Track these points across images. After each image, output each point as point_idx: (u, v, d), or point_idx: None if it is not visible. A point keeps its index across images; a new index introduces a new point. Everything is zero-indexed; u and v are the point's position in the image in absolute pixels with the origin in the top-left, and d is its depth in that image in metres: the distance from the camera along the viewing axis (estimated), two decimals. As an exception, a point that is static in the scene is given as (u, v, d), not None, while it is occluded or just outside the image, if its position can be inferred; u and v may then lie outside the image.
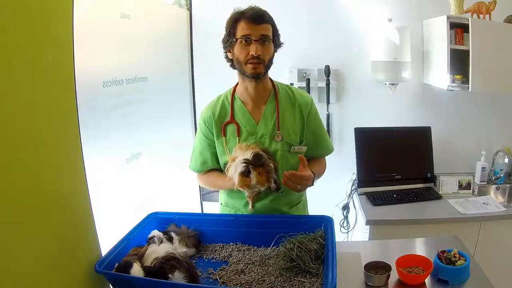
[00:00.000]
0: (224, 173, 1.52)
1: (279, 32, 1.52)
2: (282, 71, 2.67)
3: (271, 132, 1.55)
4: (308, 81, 2.65)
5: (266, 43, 1.46)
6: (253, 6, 1.47)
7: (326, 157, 1.74)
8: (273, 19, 1.49)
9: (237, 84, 1.61)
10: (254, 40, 1.43)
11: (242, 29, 1.44)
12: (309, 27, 2.65)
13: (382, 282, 1.29)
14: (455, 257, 1.31)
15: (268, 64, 1.50)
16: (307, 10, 2.63)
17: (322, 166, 1.70)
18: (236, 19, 1.46)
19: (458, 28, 2.35)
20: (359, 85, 2.72)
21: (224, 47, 1.53)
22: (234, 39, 1.46)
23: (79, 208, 1.21)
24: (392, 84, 2.58)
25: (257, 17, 1.44)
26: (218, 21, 1.51)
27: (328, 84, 2.65)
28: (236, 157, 1.40)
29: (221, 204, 1.73)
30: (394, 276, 1.31)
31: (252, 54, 1.43)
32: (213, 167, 1.65)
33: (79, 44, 1.21)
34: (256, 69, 1.46)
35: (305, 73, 2.67)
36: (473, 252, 2.14)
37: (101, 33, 1.60)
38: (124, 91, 1.78)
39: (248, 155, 1.37)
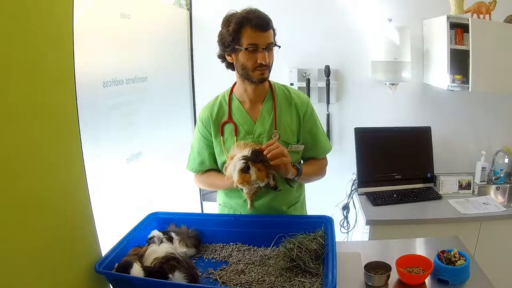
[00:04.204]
0: (222, 172, 1.52)
1: (279, 32, 1.52)
2: (282, 71, 2.66)
3: (268, 131, 1.56)
4: (308, 81, 2.65)
5: (271, 49, 1.48)
6: (253, 9, 1.45)
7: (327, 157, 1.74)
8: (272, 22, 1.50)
9: (234, 84, 1.62)
10: (262, 49, 1.43)
11: (249, 37, 1.41)
12: (309, 27, 2.65)
13: (382, 282, 1.29)
14: (455, 257, 1.31)
15: (271, 68, 1.52)
16: (307, 10, 2.63)
17: (316, 167, 1.66)
18: (240, 24, 1.41)
19: (458, 28, 2.35)
20: (359, 85, 2.72)
21: (225, 50, 1.49)
22: (240, 47, 1.43)
23: (79, 208, 1.21)
24: (392, 84, 2.58)
25: (264, 24, 1.42)
26: (218, 21, 1.51)
27: (328, 84, 2.65)
28: (234, 155, 1.40)
29: (219, 204, 1.73)
30: (394, 276, 1.31)
31: (261, 63, 1.44)
32: (210, 167, 1.65)
33: (79, 44, 1.21)
34: (263, 75, 1.48)
35: (305, 73, 2.67)
36: (473, 252, 2.14)
37: (101, 33, 1.60)
38: (124, 91, 1.78)
39: (247, 152, 1.38)
